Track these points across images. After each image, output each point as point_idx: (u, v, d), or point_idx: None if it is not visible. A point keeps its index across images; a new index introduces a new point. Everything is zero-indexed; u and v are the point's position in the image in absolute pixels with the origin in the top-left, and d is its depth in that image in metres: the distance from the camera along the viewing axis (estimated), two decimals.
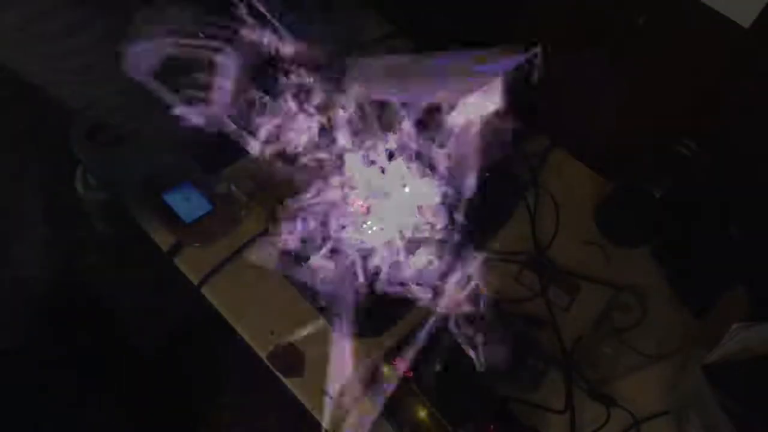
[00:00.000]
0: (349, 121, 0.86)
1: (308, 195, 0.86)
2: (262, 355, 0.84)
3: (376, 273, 0.82)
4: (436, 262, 0.88)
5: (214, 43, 0.65)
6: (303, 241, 0.86)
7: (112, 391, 1.17)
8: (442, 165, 0.89)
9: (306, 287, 0.87)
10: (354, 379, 0.81)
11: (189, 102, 0.64)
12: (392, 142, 0.86)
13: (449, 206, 0.85)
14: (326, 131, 0.86)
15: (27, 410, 0.95)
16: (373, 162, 0.88)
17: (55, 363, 1.02)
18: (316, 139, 0.83)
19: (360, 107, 0.82)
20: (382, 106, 0.84)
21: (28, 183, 0.78)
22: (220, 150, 0.96)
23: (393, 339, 0.85)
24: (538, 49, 0.67)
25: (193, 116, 0.64)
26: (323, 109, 0.80)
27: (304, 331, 0.86)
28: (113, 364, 1.19)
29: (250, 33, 0.69)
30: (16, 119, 0.77)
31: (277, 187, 0.91)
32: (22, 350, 0.89)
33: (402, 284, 0.84)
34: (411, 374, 0.79)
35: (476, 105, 0.73)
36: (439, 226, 0.86)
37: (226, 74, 0.67)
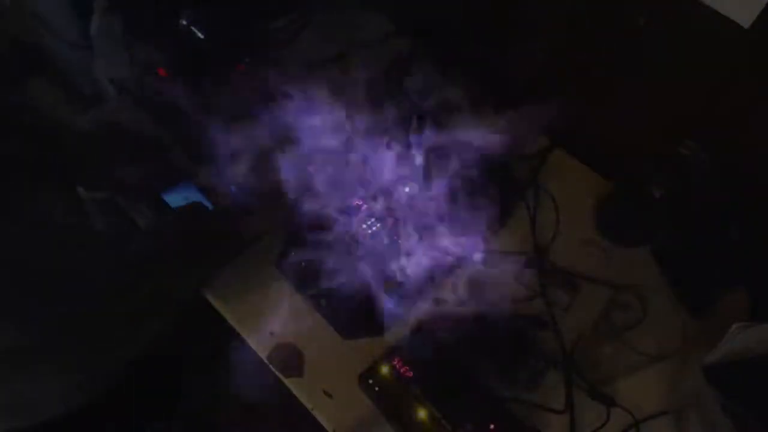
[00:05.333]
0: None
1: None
2: (262, 355, 0.84)
3: (377, 272, 0.82)
4: (435, 262, 0.88)
5: None
6: (304, 240, 0.86)
7: (109, 391, 1.17)
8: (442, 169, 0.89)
9: (306, 287, 0.87)
10: (354, 378, 0.81)
11: None
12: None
13: (449, 207, 0.86)
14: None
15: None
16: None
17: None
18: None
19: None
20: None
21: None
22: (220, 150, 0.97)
23: (393, 339, 0.85)
24: None
25: None
26: None
27: (304, 331, 0.86)
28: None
29: None
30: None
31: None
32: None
33: (402, 283, 0.84)
34: (411, 374, 0.79)
35: None
36: (438, 227, 0.86)
37: None
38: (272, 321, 0.86)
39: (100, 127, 0.97)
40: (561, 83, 1.06)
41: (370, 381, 0.79)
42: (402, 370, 0.79)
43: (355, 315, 0.84)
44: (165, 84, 0.99)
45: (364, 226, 0.85)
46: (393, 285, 0.83)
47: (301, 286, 0.88)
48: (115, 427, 1.16)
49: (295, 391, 0.82)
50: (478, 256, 0.95)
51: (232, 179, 0.95)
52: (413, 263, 0.84)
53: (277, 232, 0.91)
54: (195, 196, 0.94)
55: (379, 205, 0.86)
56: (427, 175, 0.88)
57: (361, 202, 0.86)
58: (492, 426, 0.76)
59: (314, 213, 0.84)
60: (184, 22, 0.94)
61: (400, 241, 0.84)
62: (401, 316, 0.88)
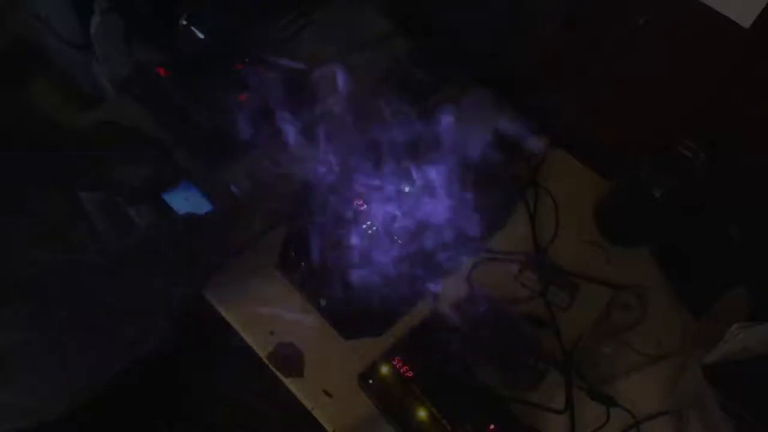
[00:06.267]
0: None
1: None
2: (262, 355, 0.84)
3: (376, 272, 0.82)
4: (435, 262, 0.88)
5: None
6: (304, 240, 0.86)
7: (108, 392, 1.17)
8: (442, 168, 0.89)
9: (306, 287, 0.87)
10: (354, 378, 0.81)
11: None
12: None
13: (449, 207, 0.86)
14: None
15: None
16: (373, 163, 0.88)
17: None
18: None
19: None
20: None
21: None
22: (220, 150, 0.97)
23: (393, 339, 0.85)
24: None
25: None
26: None
27: (304, 331, 0.86)
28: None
29: None
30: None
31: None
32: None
33: (401, 283, 0.84)
34: (411, 374, 0.79)
35: None
36: (438, 227, 0.86)
37: None
38: (272, 321, 0.86)
39: (100, 127, 0.97)
40: (561, 83, 1.06)
41: (370, 381, 0.79)
42: (402, 370, 0.79)
43: (355, 315, 0.84)
44: (165, 83, 1.00)
45: (364, 226, 0.85)
46: (393, 285, 0.83)
47: (302, 286, 0.88)
48: (116, 428, 1.16)
49: (295, 391, 0.82)
50: (478, 256, 0.95)
51: (233, 179, 0.95)
52: (413, 263, 0.84)
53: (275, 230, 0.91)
54: (196, 196, 0.94)
55: (379, 206, 0.86)
56: (427, 175, 0.88)
57: (361, 203, 0.86)
58: (492, 426, 0.76)
59: (314, 213, 0.84)
60: (184, 22, 0.94)
61: (400, 242, 0.84)
62: (401, 316, 0.88)
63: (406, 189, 0.88)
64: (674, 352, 0.87)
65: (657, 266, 0.98)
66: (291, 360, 0.83)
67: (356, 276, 0.81)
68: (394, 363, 0.80)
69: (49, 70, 1.16)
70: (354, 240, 0.83)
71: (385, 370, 0.80)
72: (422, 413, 0.76)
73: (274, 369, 0.83)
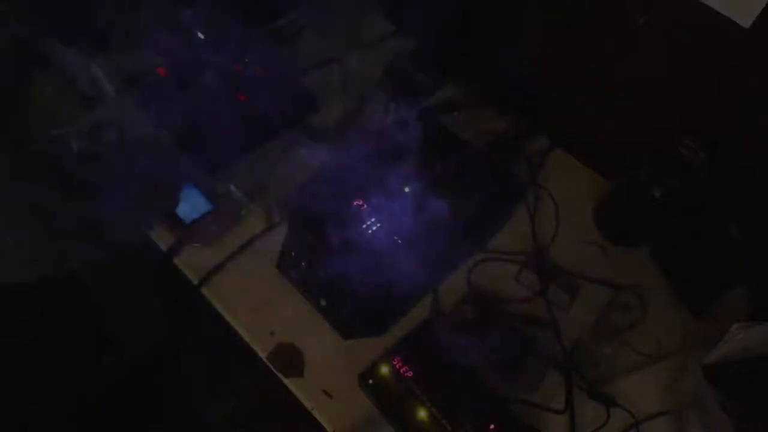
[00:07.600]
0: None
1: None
2: (262, 355, 0.84)
3: (376, 272, 0.82)
4: (435, 262, 0.88)
5: None
6: (303, 240, 0.86)
7: (109, 391, 1.17)
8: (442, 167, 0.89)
9: (306, 287, 0.87)
10: (354, 378, 0.81)
11: None
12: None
13: (449, 207, 0.86)
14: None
15: (19, 406, 0.95)
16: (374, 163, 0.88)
17: (51, 361, 1.02)
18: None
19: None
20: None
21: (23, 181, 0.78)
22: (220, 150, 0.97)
23: (393, 339, 0.85)
24: None
25: None
26: None
27: (304, 331, 0.86)
28: (110, 364, 1.19)
29: None
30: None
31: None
32: (15, 346, 0.89)
33: (401, 284, 0.84)
34: (411, 374, 0.79)
35: None
36: (438, 227, 0.86)
37: None
38: (272, 321, 0.86)
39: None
40: (560, 83, 1.06)
41: (370, 381, 0.79)
42: (402, 370, 0.79)
43: (355, 315, 0.84)
44: (165, 83, 1.00)
45: (364, 225, 0.85)
46: (393, 285, 0.83)
47: (301, 285, 0.88)
48: (116, 427, 1.16)
49: (295, 391, 0.82)
50: (478, 256, 0.95)
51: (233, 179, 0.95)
52: (413, 263, 0.84)
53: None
54: (195, 195, 0.94)
55: (379, 206, 0.86)
56: (427, 175, 0.88)
57: (361, 202, 0.86)
58: (492, 426, 0.76)
59: (314, 213, 0.84)
60: (184, 22, 0.94)
61: (399, 241, 0.84)
62: (401, 316, 0.88)
63: (406, 189, 0.88)
64: (674, 352, 0.87)
65: (657, 266, 0.98)
66: (291, 360, 0.83)
67: (356, 276, 0.81)
68: (394, 363, 0.80)
69: (49, 70, 1.16)
70: (354, 240, 0.83)
71: (385, 370, 0.80)
72: (422, 413, 0.76)
73: (274, 369, 0.83)
